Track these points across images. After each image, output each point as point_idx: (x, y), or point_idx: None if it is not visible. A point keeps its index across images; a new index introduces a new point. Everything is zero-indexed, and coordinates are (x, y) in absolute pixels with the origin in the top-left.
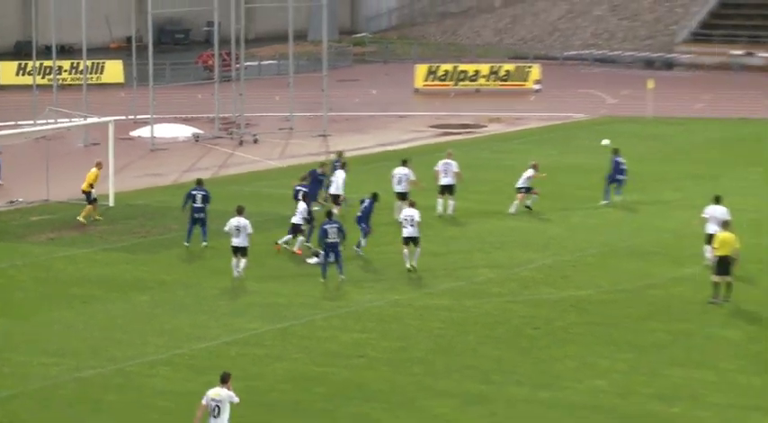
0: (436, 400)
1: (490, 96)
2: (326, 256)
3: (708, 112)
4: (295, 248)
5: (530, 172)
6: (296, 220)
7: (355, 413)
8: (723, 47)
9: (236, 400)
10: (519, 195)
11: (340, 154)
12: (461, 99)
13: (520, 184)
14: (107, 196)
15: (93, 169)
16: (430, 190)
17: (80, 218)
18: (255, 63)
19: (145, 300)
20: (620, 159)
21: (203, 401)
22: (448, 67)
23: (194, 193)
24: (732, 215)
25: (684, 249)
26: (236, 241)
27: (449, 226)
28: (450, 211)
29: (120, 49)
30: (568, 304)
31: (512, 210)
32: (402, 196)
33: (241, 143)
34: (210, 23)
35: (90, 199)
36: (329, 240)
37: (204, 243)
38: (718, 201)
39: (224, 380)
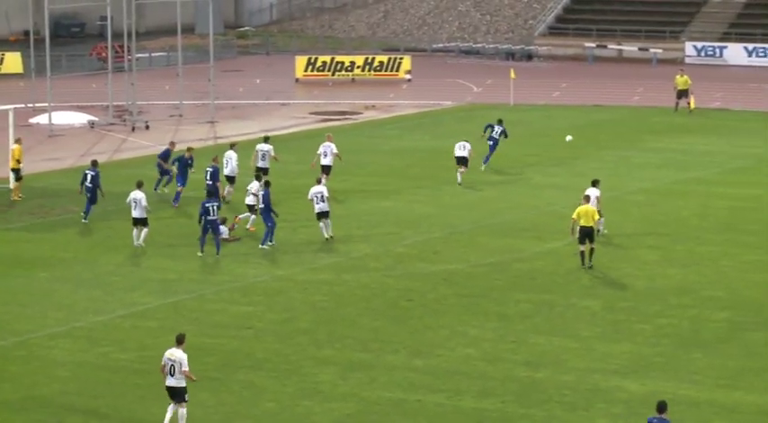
0: (319, 367)
1: (365, 85)
2: (204, 232)
3: (565, 99)
4: (248, 226)
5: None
6: (249, 200)
7: (244, 381)
8: (577, 40)
9: (186, 366)
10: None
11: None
12: (339, 88)
13: (458, 154)
14: (7, 180)
15: (15, 145)
16: (307, 172)
17: (14, 197)
18: (146, 55)
19: (44, 276)
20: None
21: (162, 362)
22: (326, 58)
23: (86, 172)
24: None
25: (547, 226)
26: (134, 213)
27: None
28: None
29: (19, 42)
30: (440, 278)
31: (459, 180)
32: (264, 171)
33: (134, 129)
34: (104, 18)
35: (18, 175)
36: (210, 217)
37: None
38: (594, 184)
39: (179, 341)
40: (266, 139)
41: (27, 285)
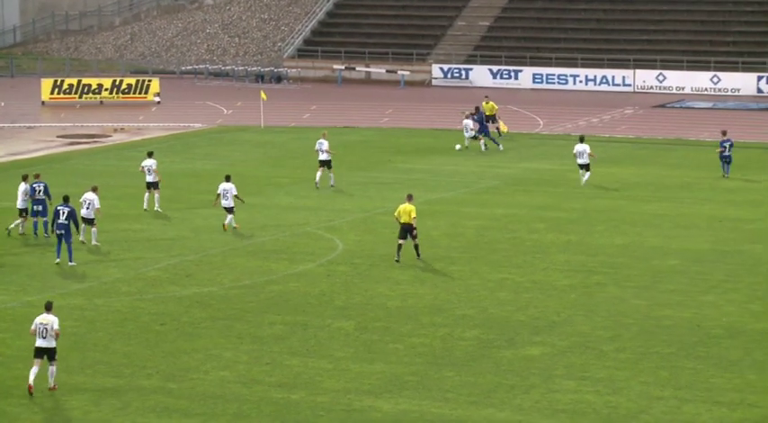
0: (71, 394)
1: (114, 108)
2: (59, 238)
3: (315, 121)
4: (234, 224)
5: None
6: (227, 203)
7: None
8: (326, 62)
9: (58, 326)
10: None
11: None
12: (87, 111)
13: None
14: None
15: None
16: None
17: None
18: None
19: None
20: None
21: (32, 327)
22: (72, 80)
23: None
24: (338, 215)
25: (300, 247)
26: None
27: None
28: (331, 181)
29: None
30: (193, 300)
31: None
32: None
33: None
34: None
35: None
36: (60, 221)
37: None
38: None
39: (48, 308)
40: (149, 154)
41: None
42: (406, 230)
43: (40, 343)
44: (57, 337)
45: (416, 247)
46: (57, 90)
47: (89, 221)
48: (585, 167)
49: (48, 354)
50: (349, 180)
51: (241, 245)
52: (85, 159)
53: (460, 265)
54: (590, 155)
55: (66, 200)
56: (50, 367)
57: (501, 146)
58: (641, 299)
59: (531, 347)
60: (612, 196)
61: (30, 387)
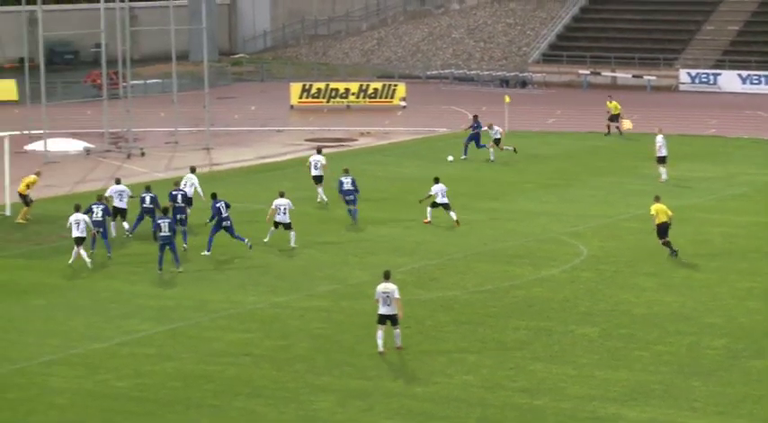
0: (317, 395)
1: (360, 112)
2: (161, 249)
3: (559, 126)
4: (293, 243)
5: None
6: (282, 219)
7: (242, 408)
8: (571, 67)
9: (398, 294)
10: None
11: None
12: (334, 115)
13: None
14: (3, 206)
15: (32, 176)
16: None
17: (19, 220)
18: (141, 82)
19: (41, 303)
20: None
21: (375, 296)
22: (320, 85)
23: (92, 206)
24: (581, 221)
25: (543, 253)
26: (76, 233)
27: (326, 233)
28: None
29: (14, 69)
30: (437, 304)
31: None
32: (317, 180)
33: (129, 156)
34: (98, 45)
35: (26, 201)
36: (162, 234)
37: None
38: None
39: (386, 276)
40: (319, 151)
41: (23, 312)
42: (665, 229)
43: (383, 310)
44: (399, 305)
45: (668, 244)
46: (305, 94)
47: (287, 226)
48: None
49: (390, 319)
50: (593, 185)
51: (484, 249)
52: (332, 163)
53: (707, 272)
54: None
55: (165, 211)
56: (395, 331)
57: (467, 157)
58: None
59: None
60: None
61: (380, 352)
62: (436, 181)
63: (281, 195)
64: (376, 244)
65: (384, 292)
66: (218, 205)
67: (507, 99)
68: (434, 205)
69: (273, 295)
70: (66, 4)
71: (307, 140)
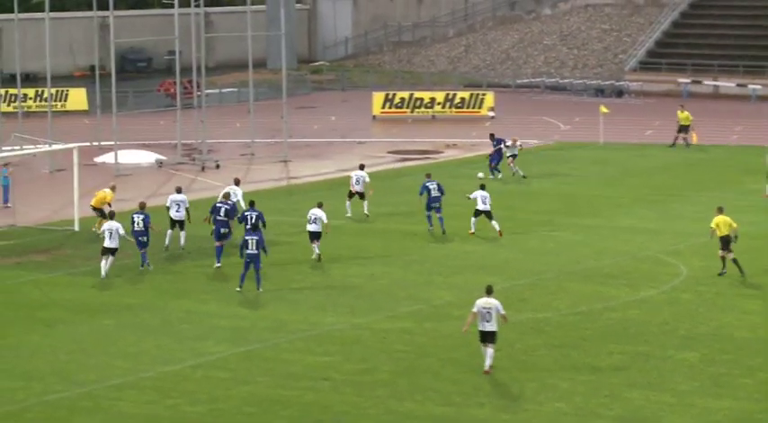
0: (400, 421)
1: (446, 123)
2: (246, 267)
3: (658, 138)
4: (317, 251)
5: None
6: (314, 228)
7: None
8: (671, 75)
9: (503, 310)
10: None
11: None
12: (418, 126)
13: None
14: (72, 221)
15: (107, 190)
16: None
17: (95, 228)
18: (216, 91)
19: (110, 323)
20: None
21: (474, 309)
22: (404, 94)
23: (134, 216)
24: (681, 239)
25: (640, 272)
26: (109, 243)
27: (409, 250)
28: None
29: (84, 78)
30: (527, 327)
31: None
32: (361, 195)
33: (203, 169)
34: (172, 52)
35: (103, 214)
36: (249, 251)
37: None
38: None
39: (489, 291)
40: (362, 167)
41: (92, 333)
42: (726, 242)
43: (483, 326)
44: (505, 321)
45: (734, 260)
46: (388, 104)
47: (316, 236)
48: None
49: (488, 336)
50: (694, 200)
51: (577, 269)
52: (417, 176)
53: None
54: None
55: (254, 228)
56: (488, 350)
57: (501, 174)
58: None
59: None
60: None
61: (485, 371)
62: (482, 187)
63: (319, 206)
64: (461, 262)
65: (485, 308)
66: (246, 214)
67: (604, 109)
68: (477, 214)
69: (353, 316)
70: (139, 9)
71: (390, 152)
